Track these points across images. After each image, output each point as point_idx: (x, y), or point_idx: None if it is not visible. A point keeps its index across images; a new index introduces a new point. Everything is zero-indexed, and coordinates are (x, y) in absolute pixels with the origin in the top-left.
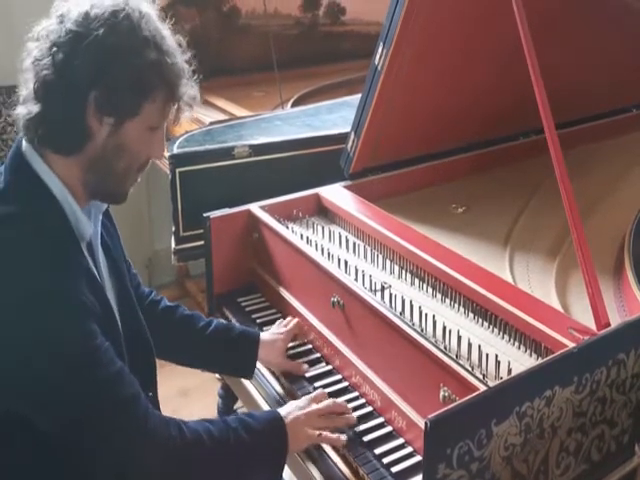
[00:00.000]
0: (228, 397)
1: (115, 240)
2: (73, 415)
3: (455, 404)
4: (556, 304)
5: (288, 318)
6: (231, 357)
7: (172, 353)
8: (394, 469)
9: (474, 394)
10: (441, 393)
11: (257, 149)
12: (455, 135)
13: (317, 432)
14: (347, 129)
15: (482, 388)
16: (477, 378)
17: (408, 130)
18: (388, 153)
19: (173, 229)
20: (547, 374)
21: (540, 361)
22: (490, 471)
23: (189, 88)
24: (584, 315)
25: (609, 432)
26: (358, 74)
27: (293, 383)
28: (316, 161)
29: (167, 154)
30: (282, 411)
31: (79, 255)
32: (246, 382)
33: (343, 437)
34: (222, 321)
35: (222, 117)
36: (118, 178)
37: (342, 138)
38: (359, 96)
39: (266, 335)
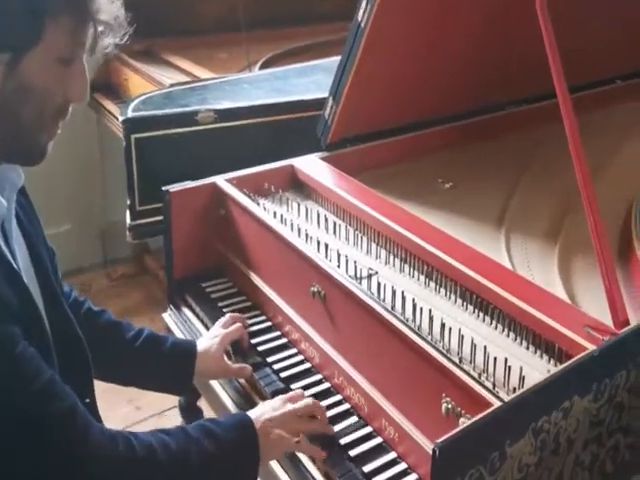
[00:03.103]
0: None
1: (35, 223)
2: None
3: (466, 425)
4: (562, 294)
5: (227, 316)
6: (163, 373)
7: (93, 367)
8: None
9: (487, 411)
10: (444, 405)
11: (223, 114)
12: (443, 103)
13: (295, 439)
14: (322, 94)
15: (492, 400)
16: (486, 388)
17: (392, 96)
18: (370, 121)
19: (128, 202)
20: (566, 383)
21: (557, 367)
22: None
23: (107, 3)
24: (594, 308)
25: (624, 441)
26: (332, 37)
27: (266, 385)
28: (289, 129)
29: (121, 118)
30: (252, 414)
31: None
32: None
33: (323, 452)
34: (153, 331)
35: (184, 79)
36: (29, 129)
37: (317, 104)
38: (333, 59)
39: (201, 343)
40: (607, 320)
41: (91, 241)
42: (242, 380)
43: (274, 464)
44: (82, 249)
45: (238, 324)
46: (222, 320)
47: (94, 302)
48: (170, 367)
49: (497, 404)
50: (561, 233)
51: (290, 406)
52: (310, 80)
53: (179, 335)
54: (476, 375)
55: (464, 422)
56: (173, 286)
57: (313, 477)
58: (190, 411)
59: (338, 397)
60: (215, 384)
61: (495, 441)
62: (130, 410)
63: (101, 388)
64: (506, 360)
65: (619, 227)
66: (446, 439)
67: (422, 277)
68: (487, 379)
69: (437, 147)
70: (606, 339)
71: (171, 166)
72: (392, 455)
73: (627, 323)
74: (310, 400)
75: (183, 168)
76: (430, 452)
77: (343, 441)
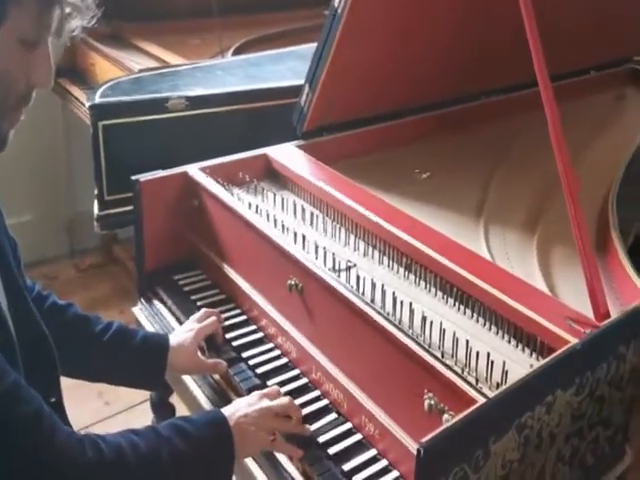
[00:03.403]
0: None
1: None
2: None
3: (451, 423)
4: (542, 286)
5: (202, 311)
6: (133, 368)
7: (60, 364)
8: None
9: (472, 409)
10: (426, 401)
11: (195, 101)
12: (420, 92)
13: (271, 437)
14: (297, 81)
15: (476, 396)
16: (469, 384)
17: (369, 85)
18: (346, 110)
19: (96, 192)
20: (550, 377)
21: (539, 361)
22: None
23: None
24: (573, 299)
25: (603, 433)
26: (306, 23)
27: (242, 381)
28: (263, 117)
29: (88, 104)
30: (226, 411)
31: None
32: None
33: (300, 451)
34: (123, 325)
35: (153, 65)
36: None
37: (293, 91)
38: (309, 46)
39: (174, 337)
40: (587, 312)
41: (57, 231)
42: (216, 376)
43: (250, 462)
44: (48, 239)
45: (213, 318)
46: (196, 315)
47: (60, 294)
48: (141, 362)
49: (481, 400)
50: (539, 224)
51: (266, 403)
52: (285, 67)
53: (150, 330)
54: (459, 370)
55: (447, 419)
56: (144, 279)
57: (291, 476)
58: (162, 407)
59: (316, 393)
60: (188, 380)
61: (479, 439)
62: (99, 405)
63: (68, 382)
64: (489, 354)
65: (595, 220)
66: (431, 438)
67: (402, 269)
68: (470, 374)
69: (414, 136)
70: (588, 332)
71: (140, 154)
72: (372, 452)
73: (608, 315)
74: (287, 399)
75: (153, 157)
76: (412, 449)
77: (322, 439)
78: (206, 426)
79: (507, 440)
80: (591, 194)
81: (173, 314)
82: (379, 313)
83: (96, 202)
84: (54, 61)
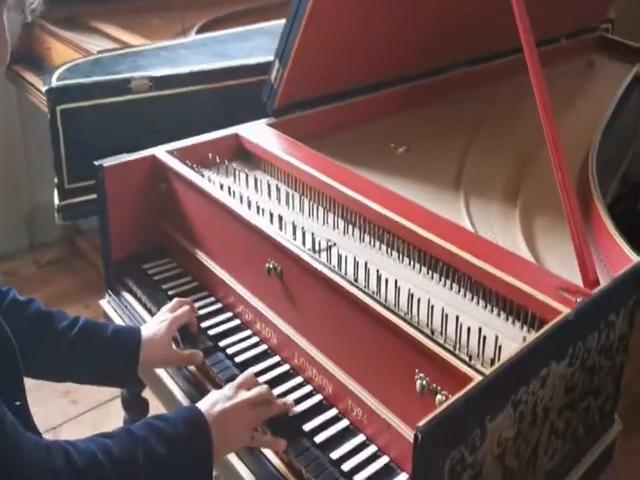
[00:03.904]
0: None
1: None
2: None
3: (448, 404)
4: (527, 256)
5: (174, 301)
6: (103, 366)
7: (23, 364)
8: (357, 478)
9: (468, 387)
10: (418, 382)
11: (159, 82)
12: (393, 65)
13: (251, 432)
14: (266, 59)
15: (471, 373)
16: (463, 361)
17: (342, 58)
18: (319, 85)
19: (56, 181)
20: (545, 349)
21: (531, 333)
22: (482, 477)
23: None
24: (560, 268)
25: (594, 403)
26: (270, 1)
27: (220, 371)
28: (232, 96)
29: (44, 88)
30: (203, 406)
31: None
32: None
33: (283, 442)
34: (91, 319)
35: (113, 47)
36: None
37: (262, 68)
38: (277, 22)
39: (146, 329)
40: (574, 280)
41: (15, 224)
42: (192, 368)
43: (232, 456)
44: (5, 233)
45: (186, 307)
46: (168, 305)
47: (20, 291)
48: (111, 358)
49: (476, 377)
50: (520, 192)
51: (243, 394)
52: (253, 44)
53: (120, 323)
54: (451, 348)
55: (441, 400)
56: (111, 270)
57: (277, 468)
58: (134, 403)
59: (299, 379)
60: (162, 373)
61: (476, 418)
62: (66, 404)
63: (31, 382)
64: (480, 330)
65: (574, 187)
66: (428, 422)
67: (384, 246)
68: (462, 351)
69: (389, 110)
70: (579, 301)
71: (103, 140)
72: (361, 438)
73: (598, 283)
74: (264, 387)
75: (117, 141)
76: (403, 433)
77: (307, 427)
78: (183, 424)
79: (503, 417)
80: (570, 161)
81: (143, 305)
82: (364, 292)
83: (56, 192)
84: (9, 38)
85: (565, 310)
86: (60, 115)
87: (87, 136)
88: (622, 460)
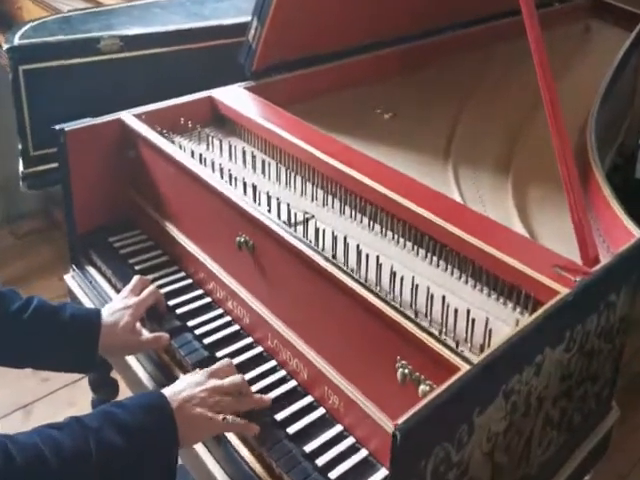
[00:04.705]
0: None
1: None
2: None
3: (431, 398)
4: (521, 230)
5: (136, 278)
6: (59, 351)
7: None
8: (332, 475)
9: (455, 378)
10: (399, 370)
11: (131, 41)
12: (380, 27)
13: (221, 416)
14: (242, 19)
15: (458, 362)
16: (449, 348)
17: (325, 18)
18: (299, 46)
19: (20, 147)
20: (540, 334)
21: (525, 315)
22: (468, 476)
23: None
24: (556, 244)
25: (591, 389)
26: None
27: (188, 354)
28: (206, 58)
29: (5, 46)
30: (168, 392)
31: None
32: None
33: (255, 427)
34: (46, 301)
35: (85, 7)
36: None
37: (239, 29)
38: None
39: (108, 313)
40: (572, 257)
41: None
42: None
43: (199, 447)
44: None
45: (151, 287)
46: (129, 285)
47: None
48: (68, 343)
49: (464, 367)
50: (513, 163)
51: (214, 382)
52: (230, 4)
53: (84, 300)
54: (436, 332)
55: (425, 390)
56: (75, 242)
57: (245, 461)
58: (103, 384)
59: (272, 363)
60: (129, 357)
61: (463, 412)
62: (36, 382)
63: None
64: (468, 312)
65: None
66: (409, 418)
67: (366, 219)
68: (448, 336)
69: (374, 74)
70: (578, 279)
71: (70, 103)
72: (337, 429)
73: (598, 260)
74: (239, 377)
75: (84, 105)
76: (382, 423)
77: (280, 416)
78: (143, 412)
79: (493, 410)
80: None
81: (108, 281)
82: (342, 270)
83: (21, 159)
84: None
85: (563, 290)
86: (23, 76)
87: (53, 99)
88: (617, 439)
